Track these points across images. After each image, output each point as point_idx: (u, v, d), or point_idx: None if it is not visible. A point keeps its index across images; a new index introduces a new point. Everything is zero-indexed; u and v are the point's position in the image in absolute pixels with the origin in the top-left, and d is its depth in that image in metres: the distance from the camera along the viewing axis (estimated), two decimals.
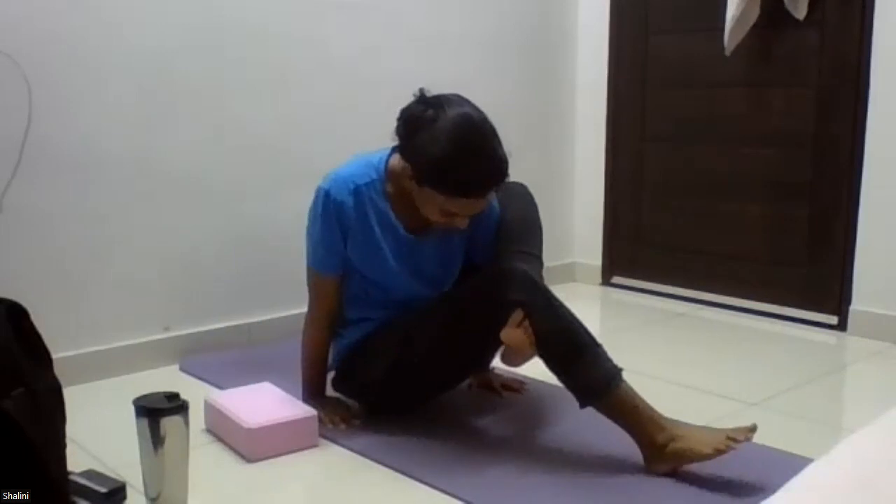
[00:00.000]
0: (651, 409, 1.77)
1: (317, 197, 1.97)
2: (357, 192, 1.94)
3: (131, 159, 2.40)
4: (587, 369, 1.79)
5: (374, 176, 1.96)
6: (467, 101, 1.86)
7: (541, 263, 2.04)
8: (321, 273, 2.02)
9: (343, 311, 2.07)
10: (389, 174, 1.96)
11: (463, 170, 1.79)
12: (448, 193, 1.81)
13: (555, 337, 1.82)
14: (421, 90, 1.88)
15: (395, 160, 1.93)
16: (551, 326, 1.82)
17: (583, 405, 1.81)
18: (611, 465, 1.80)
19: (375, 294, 2.02)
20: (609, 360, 1.81)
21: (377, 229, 1.96)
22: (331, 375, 2.14)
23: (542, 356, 1.84)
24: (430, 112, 1.81)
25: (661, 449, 1.74)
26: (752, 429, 1.69)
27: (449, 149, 1.78)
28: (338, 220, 1.94)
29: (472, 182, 1.81)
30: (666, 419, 1.77)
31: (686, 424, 1.78)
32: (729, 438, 1.67)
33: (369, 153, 2.02)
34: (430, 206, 1.87)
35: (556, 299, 1.86)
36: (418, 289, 2.02)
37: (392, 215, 1.97)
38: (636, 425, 1.77)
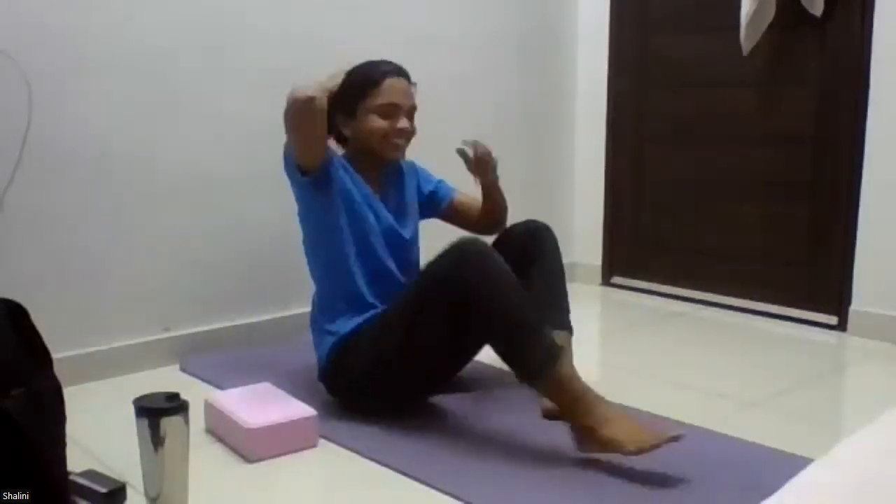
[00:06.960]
0: (584, 390, 1.80)
1: None
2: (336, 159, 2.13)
3: (132, 159, 2.40)
4: (526, 351, 1.84)
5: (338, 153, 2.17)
6: None
7: (568, 311, 2.21)
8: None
9: (333, 301, 2.11)
10: (341, 146, 2.20)
11: (367, 69, 2.10)
12: (368, 92, 2.07)
13: (498, 318, 1.86)
14: None
15: (331, 140, 2.14)
16: (496, 307, 1.86)
17: (521, 382, 1.89)
18: (612, 464, 1.80)
19: (357, 267, 2.09)
20: (547, 341, 1.85)
21: (354, 190, 2.11)
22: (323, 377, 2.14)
23: (487, 338, 1.92)
24: None
25: (588, 431, 1.77)
26: (677, 438, 1.70)
27: (351, 73, 2.10)
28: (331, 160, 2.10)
29: (379, 70, 2.09)
30: (601, 402, 1.79)
31: (622, 414, 1.79)
32: (652, 445, 1.70)
33: None
34: (371, 124, 2.08)
35: (510, 281, 1.90)
36: (390, 252, 2.14)
37: (359, 177, 2.13)
38: (564, 407, 1.82)
